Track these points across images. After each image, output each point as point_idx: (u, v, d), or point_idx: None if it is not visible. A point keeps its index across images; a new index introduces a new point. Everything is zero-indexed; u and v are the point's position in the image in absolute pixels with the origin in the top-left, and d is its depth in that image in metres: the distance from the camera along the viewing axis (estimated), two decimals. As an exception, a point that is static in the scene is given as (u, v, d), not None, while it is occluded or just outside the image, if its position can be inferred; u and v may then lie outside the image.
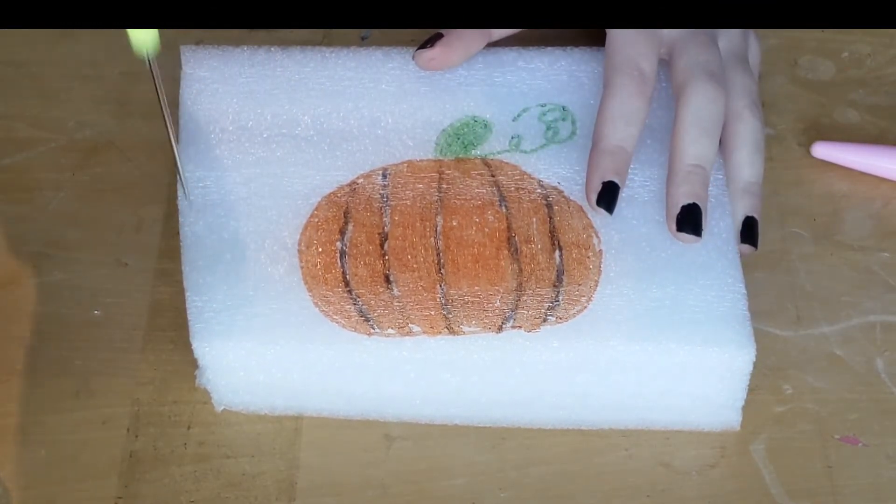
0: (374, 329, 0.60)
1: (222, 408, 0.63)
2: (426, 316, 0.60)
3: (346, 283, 0.61)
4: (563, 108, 0.68)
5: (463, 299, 0.61)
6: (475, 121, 0.67)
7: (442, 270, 0.62)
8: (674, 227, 0.62)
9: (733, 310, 0.60)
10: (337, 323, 0.60)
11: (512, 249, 0.62)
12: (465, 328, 0.60)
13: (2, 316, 0.66)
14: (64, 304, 0.67)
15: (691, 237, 0.62)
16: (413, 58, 0.68)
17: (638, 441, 0.62)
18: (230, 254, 0.62)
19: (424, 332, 0.60)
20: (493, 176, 0.65)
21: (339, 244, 0.63)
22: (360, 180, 0.65)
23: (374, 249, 0.62)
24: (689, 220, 0.62)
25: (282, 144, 0.66)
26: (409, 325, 0.60)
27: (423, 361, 0.60)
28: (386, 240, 0.63)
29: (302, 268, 0.62)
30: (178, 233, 0.64)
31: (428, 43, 0.68)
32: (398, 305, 0.61)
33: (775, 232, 0.68)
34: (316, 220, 0.64)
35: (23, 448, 0.62)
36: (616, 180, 0.63)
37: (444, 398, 0.62)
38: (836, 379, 0.64)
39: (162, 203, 0.70)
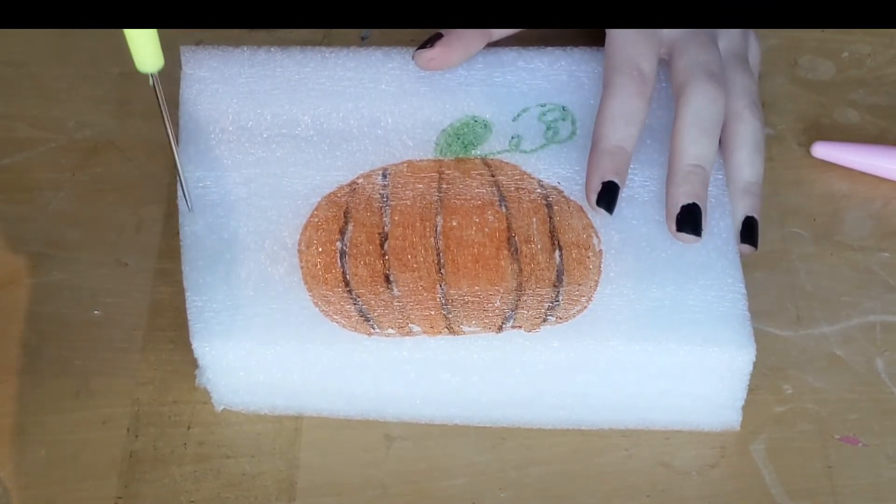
0: (374, 329, 0.60)
1: (222, 408, 0.63)
2: (426, 316, 0.60)
3: (346, 283, 0.61)
4: (563, 108, 0.68)
5: (463, 299, 0.61)
6: (475, 121, 0.67)
7: (442, 270, 0.62)
8: (674, 227, 0.62)
9: (733, 310, 0.60)
10: (337, 323, 0.60)
11: (512, 249, 0.62)
12: (465, 328, 0.60)
13: (2, 316, 0.66)
14: (64, 304, 0.67)
15: (691, 237, 0.62)
16: (413, 58, 0.68)
17: (638, 441, 0.62)
18: (230, 254, 0.62)
19: (424, 332, 0.60)
20: (493, 176, 0.65)
21: (339, 244, 0.63)
22: (360, 180, 0.65)
23: (374, 249, 0.62)
24: (689, 220, 0.62)
25: (282, 144, 0.66)
26: (409, 325, 0.60)
27: (423, 361, 0.60)
28: (386, 240, 0.63)
29: (302, 268, 0.62)
30: (178, 233, 0.64)
31: (428, 43, 0.68)
32: (398, 305, 0.61)
33: (775, 232, 0.68)
34: (316, 220, 0.64)
35: (23, 448, 0.62)
36: (616, 180, 0.63)
37: (444, 398, 0.62)
38: (836, 379, 0.64)
39: (162, 203, 0.70)
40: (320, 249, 0.62)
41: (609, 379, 0.61)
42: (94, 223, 0.69)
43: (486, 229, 0.63)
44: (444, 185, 0.65)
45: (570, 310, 0.60)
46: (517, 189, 0.64)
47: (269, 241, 0.63)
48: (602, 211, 0.63)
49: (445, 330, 0.60)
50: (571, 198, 0.64)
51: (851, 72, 0.75)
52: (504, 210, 0.64)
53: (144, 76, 0.58)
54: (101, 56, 0.76)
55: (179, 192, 0.64)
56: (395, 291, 0.61)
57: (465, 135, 0.67)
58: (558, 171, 0.65)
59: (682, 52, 0.65)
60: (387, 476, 0.61)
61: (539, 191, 0.64)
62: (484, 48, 0.69)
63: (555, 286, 0.61)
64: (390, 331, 0.60)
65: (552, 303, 0.61)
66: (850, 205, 0.70)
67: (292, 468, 0.62)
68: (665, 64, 0.67)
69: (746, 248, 0.65)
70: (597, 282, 0.61)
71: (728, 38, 0.67)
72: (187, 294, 0.61)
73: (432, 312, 0.60)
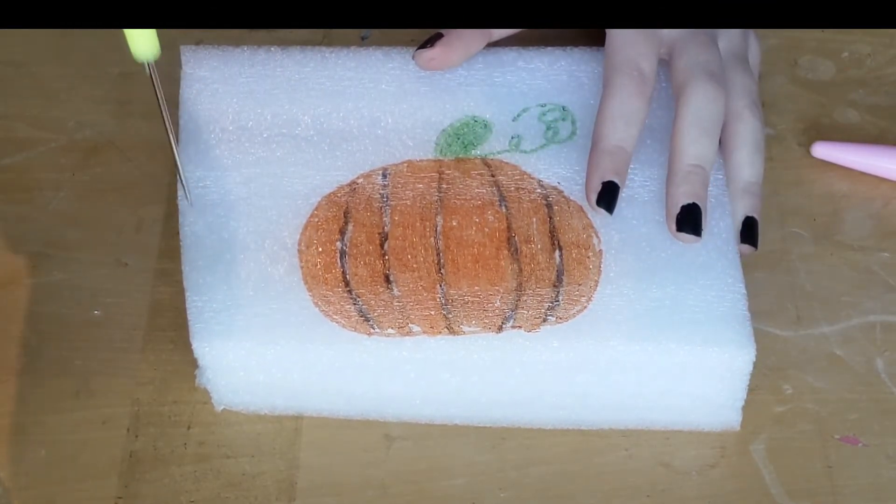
0: (374, 329, 0.60)
1: (222, 408, 0.63)
2: (426, 316, 0.60)
3: (346, 283, 0.61)
4: (563, 108, 0.68)
5: (463, 299, 0.61)
6: (475, 121, 0.67)
7: (442, 270, 0.62)
8: (674, 227, 0.62)
9: (733, 310, 0.60)
10: (337, 323, 0.60)
11: (512, 249, 0.62)
12: (465, 328, 0.60)
13: (2, 316, 0.66)
14: (64, 304, 0.67)
15: (691, 237, 0.62)
16: (413, 58, 0.68)
17: (638, 441, 0.62)
18: (230, 254, 0.62)
19: (424, 332, 0.60)
20: (493, 176, 0.65)
21: (339, 244, 0.63)
22: (360, 180, 0.65)
23: (374, 249, 0.62)
24: (689, 220, 0.62)
25: (282, 144, 0.66)
26: (409, 325, 0.60)
27: (423, 361, 0.60)
28: (386, 240, 0.63)
29: (302, 268, 0.62)
30: (178, 233, 0.64)
31: (428, 43, 0.68)
32: (398, 305, 0.61)
33: (775, 232, 0.68)
34: (316, 219, 0.64)
35: (23, 448, 0.62)
36: (616, 180, 0.63)
37: (444, 398, 0.62)
38: (836, 379, 0.64)
39: (162, 203, 0.70)
40: (320, 249, 0.62)
41: (609, 379, 0.61)
42: (94, 223, 0.69)
43: (486, 229, 0.63)
44: (444, 185, 0.65)
45: (570, 310, 0.60)
46: (517, 189, 0.64)
47: (269, 240, 0.63)
48: (602, 211, 0.62)
49: (445, 330, 0.60)
50: (571, 198, 0.64)
51: (851, 72, 0.75)
52: (504, 210, 0.64)
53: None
54: (101, 56, 0.76)
55: (179, 187, 0.64)
56: (395, 291, 0.61)
57: (465, 135, 0.67)
58: (558, 171, 0.65)
59: (682, 52, 0.65)
60: (387, 476, 0.61)
61: (539, 191, 0.64)
62: (484, 48, 0.69)
63: (555, 286, 0.61)
64: (390, 331, 0.60)
65: (552, 303, 0.61)
66: (850, 205, 0.70)
67: (292, 468, 0.62)
68: (665, 64, 0.67)
69: (746, 248, 0.65)
70: (597, 282, 0.61)
71: (728, 38, 0.67)
72: (187, 294, 0.61)
73: (432, 312, 0.60)
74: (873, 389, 0.64)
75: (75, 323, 0.66)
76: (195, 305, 0.61)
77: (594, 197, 0.62)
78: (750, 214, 0.65)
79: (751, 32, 0.70)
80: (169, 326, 0.65)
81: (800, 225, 0.69)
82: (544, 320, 0.60)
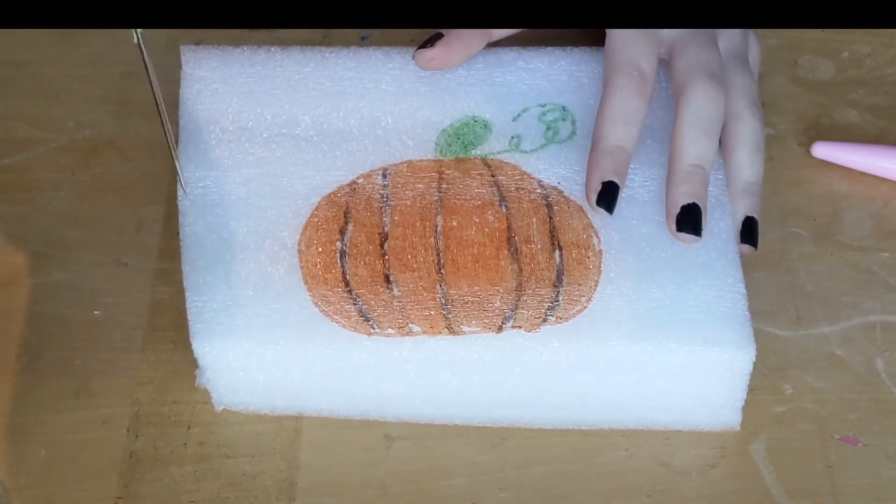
0: (374, 329, 0.60)
1: (222, 408, 0.63)
2: (426, 316, 0.60)
3: (346, 283, 0.61)
4: (563, 108, 0.68)
5: (463, 299, 0.61)
6: (475, 121, 0.67)
7: (442, 270, 0.62)
8: (674, 227, 0.62)
9: (733, 310, 0.60)
10: (337, 323, 0.60)
11: (512, 249, 0.62)
12: (465, 328, 0.60)
13: (2, 316, 0.66)
14: (64, 304, 0.67)
15: (691, 237, 0.62)
16: (413, 58, 0.68)
17: (638, 441, 0.62)
18: (230, 254, 0.62)
19: (424, 332, 0.60)
20: (493, 176, 0.65)
21: (339, 244, 0.63)
22: (360, 180, 0.65)
23: (374, 249, 0.62)
24: (689, 220, 0.62)
25: (282, 144, 0.66)
26: (409, 325, 0.60)
27: (423, 361, 0.60)
28: (386, 240, 0.63)
29: (302, 268, 0.62)
30: (178, 233, 0.64)
31: (428, 43, 0.68)
32: (398, 305, 0.61)
33: (775, 232, 0.68)
34: (316, 220, 0.64)
35: (23, 448, 0.62)
36: (616, 180, 0.63)
37: (444, 398, 0.62)
38: (836, 379, 0.64)
39: (162, 203, 0.70)
40: (320, 249, 0.62)
41: (609, 379, 0.61)
42: (94, 223, 0.69)
43: (486, 229, 0.63)
44: (444, 185, 0.65)
45: (570, 310, 0.60)
46: (517, 189, 0.64)
47: (269, 241, 0.63)
48: (602, 211, 0.62)
49: (445, 330, 0.60)
50: (571, 198, 0.64)
51: (851, 72, 0.75)
52: (504, 210, 0.64)
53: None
54: (101, 56, 0.76)
55: (179, 190, 0.64)
56: (395, 291, 0.61)
57: (465, 135, 0.67)
58: (558, 171, 0.65)
59: (682, 52, 0.65)
60: (387, 476, 0.61)
61: (539, 191, 0.64)
62: (484, 48, 0.69)
63: (555, 286, 0.61)
64: (390, 331, 0.60)
65: (552, 303, 0.61)
66: (850, 205, 0.70)
67: (292, 468, 0.62)
68: (665, 64, 0.67)
69: (746, 248, 0.65)
70: (597, 282, 0.61)
71: (728, 38, 0.67)
72: (187, 294, 0.61)
73: (432, 312, 0.60)
74: (873, 389, 0.64)
75: (75, 323, 0.66)
76: (195, 305, 0.61)
77: (594, 197, 0.62)
78: (750, 214, 0.65)
79: (751, 32, 0.70)
80: (169, 326, 0.65)
81: (800, 225, 0.69)
82: (544, 320, 0.60)
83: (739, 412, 0.62)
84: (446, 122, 0.67)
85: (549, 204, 0.64)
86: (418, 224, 0.63)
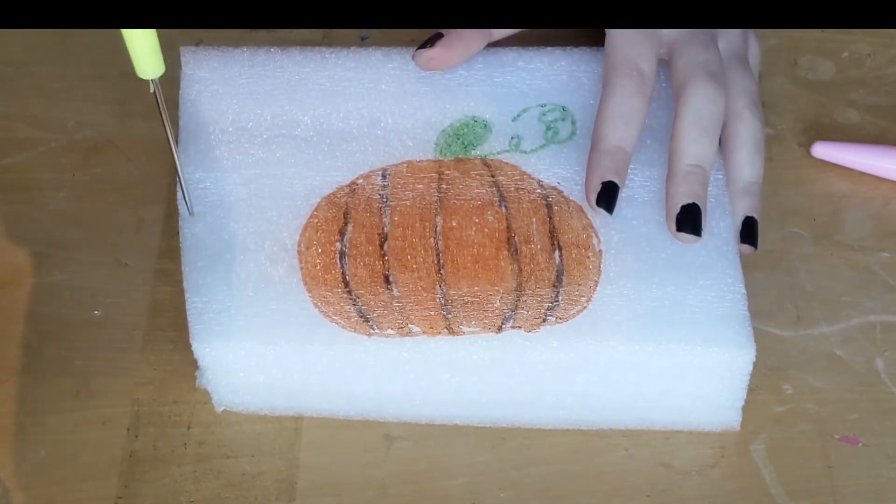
0: (373, 329, 0.60)
1: (222, 408, 0.63)
2: (426, 316, 0.60)
3: (346, 284, 0.61)
4: (563, 109, 0.68)
5: (463, 299, 0.61)
6: (475, 121, 0.67)
7: (441, 271, 0.62)
8: (673, 227, 0.62)
9: (733, 310, 0.60)
10: (336, 323, 0.60)
11: (512, 249, 0.62)
12: (465, 328, 0.60)
13: (2, 316, 0.66)
14: (64, 304, 0.67)
15: (691, 237, 0.62)
16: (413, 58, 0.68)
17: (638, 441, 0.62)
18: (230, 255, 0.62)
19: (424, 333, 0.60)
20: (492, 176, 0.65)
21: (338, 245, 0.63)
22: (360, 181, 0.65)
23: (374, 250, 0.62)
24: (689, 220, 0.62)
25: (281, 145, 0.66)
26: (409, 325, 0.60)
27: (423, 362, 0.60)
28: (385, 240, 0.63)
29: (301, 268, 0.62)
30: (178, 233, 0.64)
31: (428, 43, 0.68)
32: (398, 306, 0.61)
33: (775, 232, 0.68)
34: (315, 220, 0.64)
35: (23, 448, 0.62)
36: (616, 180, 0.63)
37: (444, 398, 0.62)
38: (836, 379, 0.64)
39: (162, 203, 0.70)
40: (320, 250, 0.62)
41: (609, 379, 0.61)
42: (94, 223, 0.69)
43: (486, 229, 0.63)
44: (444, 186, 0.65)
45: (569, 310, 0.60)
46: (517, 189, 0.64)
47: (269, 241, 0.63)
48: (602, 211, 0.62)
49: (445, 330, 0.60)
50: (571, 198, 0.64)
51: (851, 72, 0.75)
52: (504, 210, 0.64)
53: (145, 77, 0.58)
54: (101, 56, 0.76)
55: (179, 195, 0.64)
56: (395, 292, 0.61)
57: (464, 135, 0.67)
58: (558, 172, 0.65)
59: (682, 52, 0.65)
60: (387, 476, 0.61)
61: (539, 191, 0.64)
62: (484, 48, 0.69)
63: (554, 286, 0.61)
64: (390, 331, 0.60)
65: (552, 303, 0.61)
66: (850, 205, 0.70)
67: (292, 468, 0.62)
68: (665, 64, 0.67)
69: (746, 248, 0.65)
70: (597, 282, 0.61)
71: (728, 38, 0.67)
72: (187, 295, 0.61)
73: (432, 313, 0.60)
74: (873, 389, 0.64)
75: (75, 323, 0.66)
76: (195, 306, 0.61)
77: (594, 197, 0.62)
78: (750, 214, 0.65)
79: (751, 32, 0.70)
80: (169, 326, 0.65)
81: (800, 225, 0.69)
82: (544, 320, 0.60)
83: (739, 412, 0.62)
84: (446, 122, 0.67)
85: (549, 204, 0.64)
86: (418, 224, 0.63)
